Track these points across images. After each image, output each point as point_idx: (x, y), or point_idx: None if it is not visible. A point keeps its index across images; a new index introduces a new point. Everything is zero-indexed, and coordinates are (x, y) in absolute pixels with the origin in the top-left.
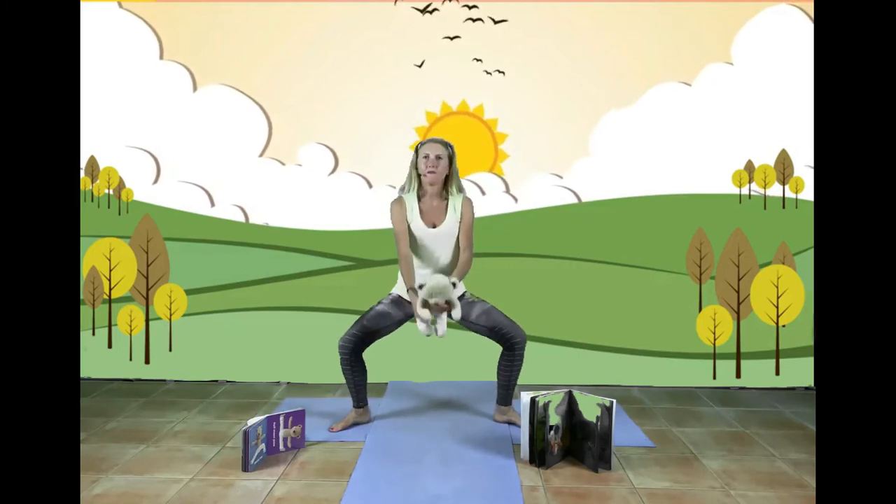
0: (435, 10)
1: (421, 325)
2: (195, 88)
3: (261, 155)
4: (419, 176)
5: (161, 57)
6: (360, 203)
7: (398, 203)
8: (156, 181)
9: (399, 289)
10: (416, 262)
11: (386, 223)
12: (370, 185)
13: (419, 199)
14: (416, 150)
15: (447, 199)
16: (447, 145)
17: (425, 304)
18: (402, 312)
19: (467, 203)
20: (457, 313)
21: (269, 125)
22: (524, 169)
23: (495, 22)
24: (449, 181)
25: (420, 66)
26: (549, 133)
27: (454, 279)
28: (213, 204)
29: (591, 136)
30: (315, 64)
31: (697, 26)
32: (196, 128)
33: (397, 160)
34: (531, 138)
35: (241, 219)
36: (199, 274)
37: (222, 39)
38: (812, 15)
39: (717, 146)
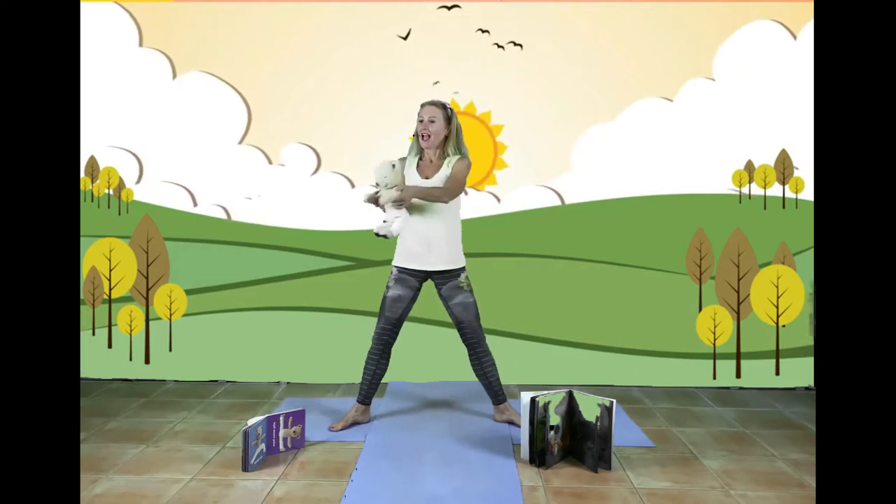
0: None
1: (377, 226)
2: (174, 76)
3: (240, 142)
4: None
5: (140, 44)
6: (353, 203)
7: (399, 161)
8: (139, 180)
9: (396, 260)
10: (408, 219)
11: (379, 222)
12: (353, 185)
13: (420, 159)
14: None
15: (445, 158)
16: (443, 106)
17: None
18: (409, 289)
19: (461, 160)
20: (386, 195)
21: (248, 111)
22: (515, 180)
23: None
24: (447, 141)
25: (405, 38)
26: (535, 145)
27: (396, 162)
28: (195, 203)
29: (576, 147)
30: (303, 62)
31: (679, 43)
32: (176, 118)
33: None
34: (519, 151)
35: (224, 216)
36: (193, 273)
37: (206, 30)
38: (792, 30)
39: (715, 147)
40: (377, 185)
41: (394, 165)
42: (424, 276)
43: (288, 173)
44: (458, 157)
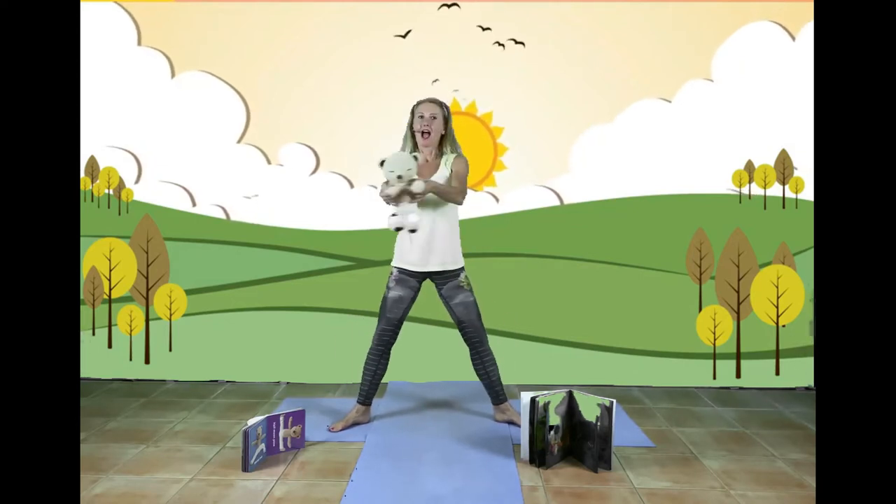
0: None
1: (392, 220)
2: (173, 75)
3: (238, 141)
4: (414, 136)
5: (139, 43)
6: (353, 203)
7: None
8: (137, 180)
9: (396, 261)
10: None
11: (378, 222)
12: (352, 186)
13: (416, 157)
14: (412, 111)
15: (441, 157)
16: (442, 105)
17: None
18: (410, 289)
19: (459, 159)
20: (418, 185)
21: (247, 110)
22: (514, 180)
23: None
24: (444, 141)
25: (404, 36)
26: (534, 145)
27: (417, 154)
28: (194, 203)
29: (576, 147)
30: (302, 62)
31: (678, 44)
32: (174, 118)
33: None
34: (518, 151)
35: (223, 216)
36: (193, 273)
37: (204, 29)
38: (790, 31)
39: (715, 148)
40: (399, 177)
41: (416, 157)
42: (425, 276)
43: (287, 173)
44: (455, 155)
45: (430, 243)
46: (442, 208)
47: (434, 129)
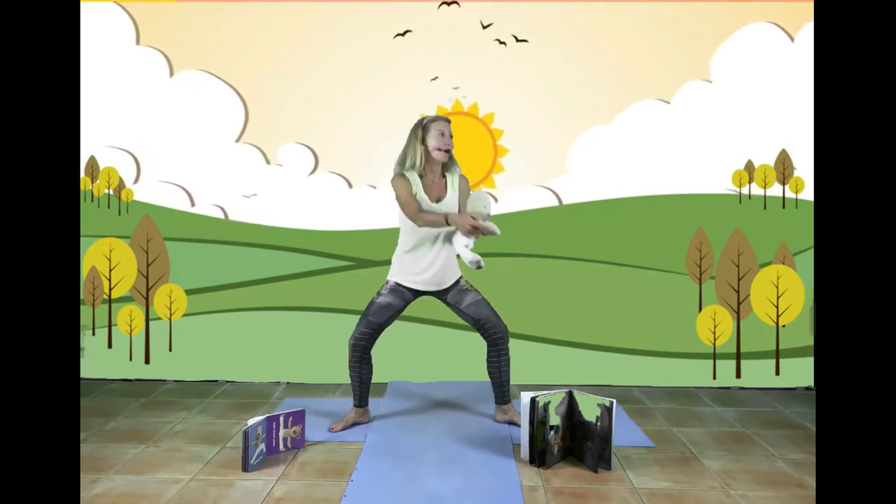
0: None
1: (471, 255)
2: (171, 74)
3: (237, 140)
4: (426, 152)
5: (138, 42)
6: (352, 203)
7: (402, 177)
8: (136, 180)
9: (396, 276)
10: (415, 240)
11: (381, 223)
12: (350, 186)
13: (421, 175)
14: (424, 127)
15: (445, 175)
16: (449, 122)
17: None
18: (402, 300)
19: (463, 180)
20: (496, 228)
21: (245, 109)
22: (513, 180)
23: (484, 26)
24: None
25: (403, 35)
26: (534, 145)
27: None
28: (193, 203)
29: (575, 147)
30: (302, 62)
31: (677, 44)
32: (173, 117)
33: (383, 160)
34: (518, 151)
35: (221, 216)
36: (193, 273)
37: (202, 28)
38: (789, 32)
39: (715, 148)
40: (486, 213)
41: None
42: (422, 293)
43: (285, 173)
44: (456, 173)
45: (436, 264)
46: (447, 233)
47: (451, 148)
